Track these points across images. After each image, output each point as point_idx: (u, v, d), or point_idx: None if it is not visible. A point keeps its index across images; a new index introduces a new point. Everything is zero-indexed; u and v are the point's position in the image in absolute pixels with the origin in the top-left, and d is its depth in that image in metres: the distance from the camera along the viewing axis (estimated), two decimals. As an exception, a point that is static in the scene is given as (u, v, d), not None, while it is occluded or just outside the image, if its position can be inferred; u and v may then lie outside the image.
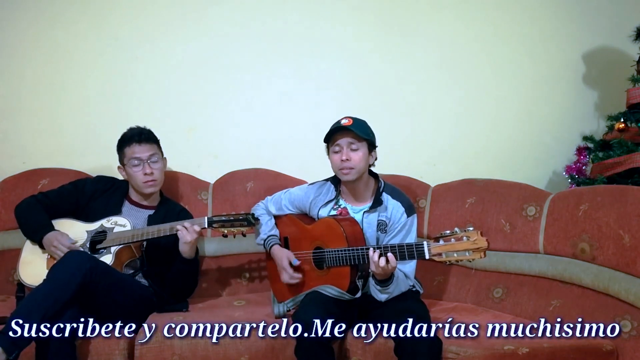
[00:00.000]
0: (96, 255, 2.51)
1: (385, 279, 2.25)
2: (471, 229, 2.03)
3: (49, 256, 2.56)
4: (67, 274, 2.24)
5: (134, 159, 2.63)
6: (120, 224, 2.60)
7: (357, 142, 2.39)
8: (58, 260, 2.35)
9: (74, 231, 2.60)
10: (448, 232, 2.07)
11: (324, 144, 2.48)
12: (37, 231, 2.57)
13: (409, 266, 2.38)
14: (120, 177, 2.78)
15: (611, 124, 3.09)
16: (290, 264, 2.48)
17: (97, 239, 2.58)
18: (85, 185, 2.74)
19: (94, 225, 2.62)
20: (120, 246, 2.53)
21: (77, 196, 2.70)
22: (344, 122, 2.39)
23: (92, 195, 2.70)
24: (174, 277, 2.61)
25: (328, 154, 2.47)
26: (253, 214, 2.55)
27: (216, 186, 3.08)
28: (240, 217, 2.50)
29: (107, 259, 2.50)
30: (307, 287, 2.45)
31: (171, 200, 2.85)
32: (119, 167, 2.73)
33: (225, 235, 2.53)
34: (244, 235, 2.56)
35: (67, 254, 2.35)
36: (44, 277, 2.29)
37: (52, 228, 2.57)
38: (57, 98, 3.17)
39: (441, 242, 2.07)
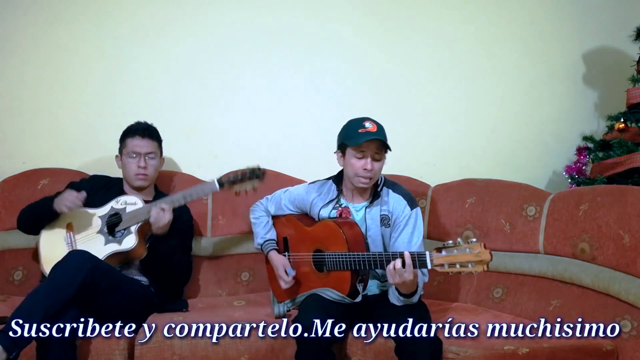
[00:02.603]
0: (117, 237, 2.52)
1: (410, 292, 2.22)
2: (474, 240, 2.02)
3: (70, 249, 2.53)
4: (68, 274, 2.24)
5: (133, 151, 2.66)
6: (131, 202, 2.60)
7: (382, 152, 2.36)
8: (60, 260, 2.34)
9: (85, 219, 2.59)
10: (451, 242, 2.06)
11: (328, 142, 2.44)
12: (44, 206, 2.54)
13: None
14: (113, 175, 2.80)
15: (611, 124, 3.09)
16: (287, 273, 2.49)
17: (112, 222, 2.57)
18: (82, 183, 2.74)
19: (105, 209, 2.61)
20: (140, 224, 2.53)
21: None
22: (368, 126, 2.33)
23: (90, 192, 2.68)
24: (165, 263, 2.60)
25: (342, 153, 2.41)
26: (259, 166, 2.56)
27: (216, 186, 3.08)
28: (248, 173, 2.55)
29: (131, 239, 2.50)
30: (307, 289, 2.45)
31: (165, 194, 2.82)
32: (116, 157, 2.75)
33: (237, 193, 2.55)
34: (255, 190, 2.58)
35: (69, 254, 2.35)
36: None
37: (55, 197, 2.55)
38: (57, 98, 3.16)
39: (444, 252, 2.05)
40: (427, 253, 2.09)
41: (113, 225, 2.57)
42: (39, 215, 2.60)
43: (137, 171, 2.66)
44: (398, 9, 3.31)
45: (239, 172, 2.56)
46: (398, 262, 2.13)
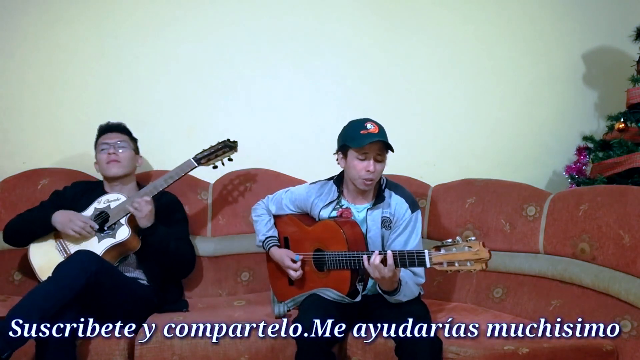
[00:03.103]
0: (110, 232, 2.54)
1: (390, 290, 2.23)
2: (473, 238, 2.02)
3: (65, 255, 2.54)
4: (71, 275, 2.23)
5: (103, 144, 2.71)
6: (113, 199, 2.63)
7: (384, 154, 2.36)
8: (65, 260, 2.35)
9: None
10: (450, 241, 2.05)
11: (328, 142, 2.44)
12: (42, 220, 2.55)
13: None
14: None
15: (611, 124, 3.09)
16: (293, 261, 2.47)
17: (100, 221, 2.58)
18: (65, 191, 2.75)
19: (89, 212, 2.62)
20: (128, 214, 2.55)
21: (59, 202, 2.68)
22: (370, 127, 2.32)
23: (73, 198, 2.70)
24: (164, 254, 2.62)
25: (344, 154, 2.40)
26: (229, 139, 2.72)
27: (216, 186, 3.08)
28: (220, 146, 2.70)
29: (124, 230, 2.54)
30: (307, 288, 2.45)
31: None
32: (95, 163, 2.78)
33: (215, 167, 2.70)
34: (231, 160, 2.73)
35: (75, 254, 2.34)
36: None
37: (54, 211, 2.56)
38: (57, 98, 3.17)
39: (442, 251, 2.04)
40: (426, 251, 2.08)
41: (101, 224, 2.58)
42: (34, 232, 2.59)
43: (108, 158, 2.69)
44: (398, 9, 3.31)
45: (212, 147, 2.70)
46: (377, 259, 2.14)
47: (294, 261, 2.46)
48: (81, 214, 2.60)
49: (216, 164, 2.70)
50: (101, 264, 2.32)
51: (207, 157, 2.68)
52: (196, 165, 2.66)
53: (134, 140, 2.83)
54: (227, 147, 2.71)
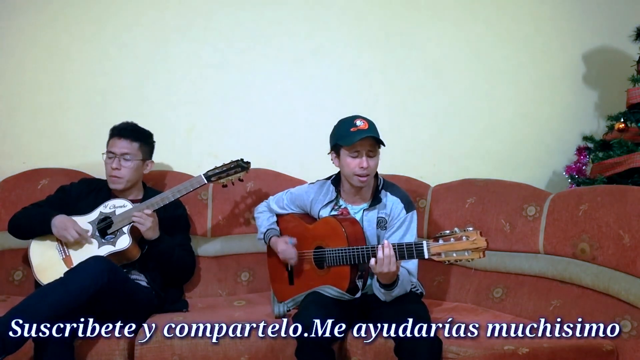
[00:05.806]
0: (111, 239, 2.52)
1: (389, 284, 2.24)
2: (471, 228, 2.02)
3: (63, 256, 2.53)
4: (83, 285, 2.21)
5: (109, 152, 2.64)
6: (119, 205, 2.59)
7: (376, 149, 2.37)
8: (78, 265, 2.33)
9: None
10: (447, 231, 2.06)
11: (327, 142, 2.44)
12: (43, 220, 2.53)
13: (412, 263, 2.36)
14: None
15: (611, 124, 3.09)
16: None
17: (103, 226, 2.57)
18: (71, 189, 2.73)
19: (94, 215, 2.59)
20: (132, 224, 2.52)
21: (64, 199, 2.67)
22: (359, 124, 2.33)
23: (78, 196, 2.68)
24: (166, 264, 2.62)
25: (337, 153, 2.42)
26: (242, 159, 2.65)
27: (216, 186, 3.07)
28: (233, 165, 2.64)
29: (125, 239, 2.51)
30: (307, 287, 2.45)
31: (152, 189, 2.83)
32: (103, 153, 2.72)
33: (224, 186, 2.64)
34: (241, 181, 2.69)
35: (89, 261, 2.31)
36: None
37: (56, 213, 2.54)
38: (57, 98, 3.17)
39: (440, 241, 2.05)
40: (425, 242, 2.09)
41: (104, 229, 2.57)
42: (33, 231, 2.58)
43: (110, 172, 2.63)
44: (398, 9, 3.31)
45: (225, 165, 2.65)
46: (381, 254, 2.14)
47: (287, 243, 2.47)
48: (85, 216, 2.58)
49: (226, 183, 2.65)
50: (114, 274, 2.30)
51: (218, 175, 2.63)
52: (206, 182, 2.62)
53: (148, 145, 2.72)
54: (240, 167, 2.64)
